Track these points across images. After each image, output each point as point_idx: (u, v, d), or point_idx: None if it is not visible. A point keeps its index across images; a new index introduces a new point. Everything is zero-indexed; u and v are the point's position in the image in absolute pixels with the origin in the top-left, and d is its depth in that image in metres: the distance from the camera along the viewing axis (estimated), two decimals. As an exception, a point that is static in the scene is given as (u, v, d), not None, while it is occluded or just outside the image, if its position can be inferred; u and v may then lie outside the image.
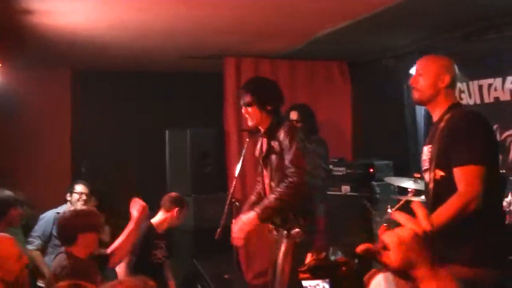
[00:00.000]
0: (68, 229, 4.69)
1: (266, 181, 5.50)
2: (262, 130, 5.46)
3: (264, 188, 5.62)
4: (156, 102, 10.07)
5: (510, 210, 6.04)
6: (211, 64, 9.12)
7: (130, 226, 5.27)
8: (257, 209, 5.19)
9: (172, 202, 7.03)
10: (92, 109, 9.77)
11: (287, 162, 5.15)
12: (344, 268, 1.62)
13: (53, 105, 9.53)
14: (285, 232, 5.24)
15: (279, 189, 5.15)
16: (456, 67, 4.19)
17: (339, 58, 9.49)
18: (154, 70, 10.00)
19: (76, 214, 4.78)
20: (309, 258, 1.73)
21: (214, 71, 9.10)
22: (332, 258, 1.68)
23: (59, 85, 9.62)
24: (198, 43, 7.93)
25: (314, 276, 1.63)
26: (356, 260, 1.68)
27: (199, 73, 9.95)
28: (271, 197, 5.15)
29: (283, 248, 5.26)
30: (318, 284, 1.63)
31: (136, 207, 5.36)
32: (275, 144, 5.29)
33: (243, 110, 5.55)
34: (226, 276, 7.54)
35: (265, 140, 5.51)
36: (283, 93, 8.85)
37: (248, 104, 5.41)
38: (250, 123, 5.49)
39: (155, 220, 6.92)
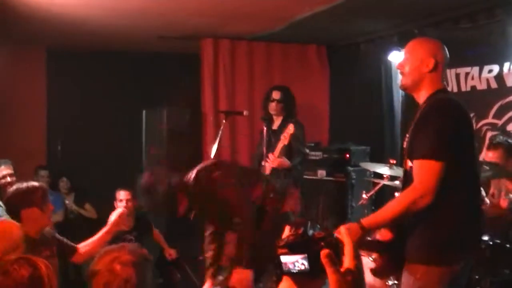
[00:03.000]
0: (11, 205, 4.69)
1: None
2: None
3: None
4: (133, 82, 10.01)
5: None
6: (188, 45, 9.07)
7: (104, 229, 5.24)
8: None
9: None
10: (68, 88, 9.67)
11: None
12: (322, 244, 1.62)
13: (28, 84, 9.43)
14: None
15: None
16: (445, 50, 3.90)
17: (317, 42, 9.46)
18: (131, 50, 9.91)
19: (16, 190, 4.76)
20: (286, 233, 1.73)
21: (191, 52, 9.06)
22: (310, 232, 1.69)
23: (34, 64, 9.52)
24: (174, 23, 7.88)
25: (292, 252, 1.64)
26: (335, 235, 1.68)
27: (176, 53, 9.88)
28: None
29: None
30: (297, 260, 1.63)
31: (115, 214, 5.33)
32: None
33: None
34: (200, 258, 7.53)
35: None
36: (260, 75, 8.88)
37: None
38: None
39: None
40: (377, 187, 6.80)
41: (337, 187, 8.01)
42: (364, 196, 6.81)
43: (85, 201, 9.00)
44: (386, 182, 6.61)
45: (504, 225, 5.59)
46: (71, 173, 9.08)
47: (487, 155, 6.02)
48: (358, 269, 1.61)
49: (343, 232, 1.65)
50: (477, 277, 5.10)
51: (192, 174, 4.93)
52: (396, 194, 5.71)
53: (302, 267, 1.62)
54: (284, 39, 9.10)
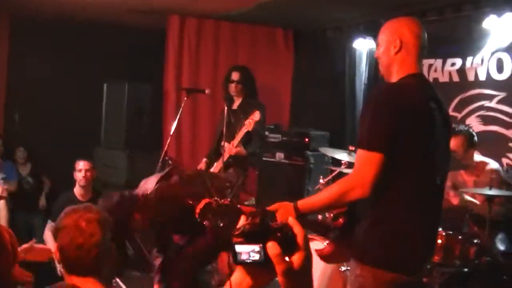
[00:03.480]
0: None
1: None
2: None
3: None
4: (96, 55, 9.87)
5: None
6: (154, 21, 8.99)
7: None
8: None
9: None
10: (30, 58, 9.49)
11: None
12: (279, 234, 1.60)
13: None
14: None
15: None
16: (417, 28, 3.55)
17: (284, 26, 9.45)
18: (97, 23, 9.75)
19: None
20: (242, 221, 1.70)
21: (156, 28, 8.98)
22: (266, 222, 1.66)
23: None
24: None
25: (247, 241, 1.60)
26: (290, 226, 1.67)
27: (141, 28, 9.77)
28: None
29: None
30: (252, 250, 1.60)
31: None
32: None
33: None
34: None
35: None
36: (225, 54, 8.85)
37: None
38: None
39: None
40: (334, 173, 6.82)
41: (295, 170, 8.02)
42: (321, 181, 6.83)
43: (41, 171, 8.88)
44: (343, 168, 6.63)
45: (457, 217, 5.67)
46: (28, 143, 8.95)
47: None
48: (306, 260, 1.61)
49: (293, 222, 1.63)
50: (428, 266, 5.16)
51: (148, 186, 4.88)
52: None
53: (257, 257, 1.60)
54: (251, 21, 9.07)
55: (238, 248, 1.61)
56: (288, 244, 1.58)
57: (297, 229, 1.61)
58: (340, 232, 3.66)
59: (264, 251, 1.58)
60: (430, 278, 5.15)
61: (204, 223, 2.01)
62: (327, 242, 3.90)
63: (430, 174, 3.44)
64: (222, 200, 3.09)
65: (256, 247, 1.59)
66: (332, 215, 4.01)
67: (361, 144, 3.32)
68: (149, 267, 2.73)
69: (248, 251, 1.60)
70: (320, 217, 5.62)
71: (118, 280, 7.14)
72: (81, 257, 2.93)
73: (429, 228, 3.51)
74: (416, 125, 3.34)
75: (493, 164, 6.06)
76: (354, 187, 3.28)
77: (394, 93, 3.42)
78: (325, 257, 3.65)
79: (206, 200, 3.18)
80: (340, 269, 5.32)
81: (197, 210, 3.07)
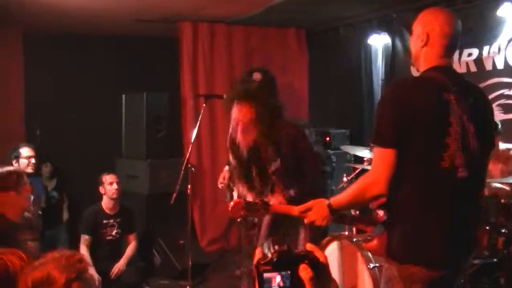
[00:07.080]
0: None
1: None
2: None
3: None
4: (112, 66, 9.88)
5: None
6: (166, 29, 9.01)
7: None
8: None
9: None
10: (46, 73, 9.51)
11: None
12: (306, 261, 1.64)
13: (4, 67, 9.24)
14: None
15: None
16: (449, 21, 3.41)
17: (296, 26, 9.45)
18: (110, 34, 9.80)
19: None
20: (271, 250, 1.74)
21: (169, 36, 9.01)
22: (295, 250, 1.71)
23: (11, 47, 9.30)
24: (152, 6, 7.80)
25: (275, 269, 1.65)
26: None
27: (155, 37, 9.80)
28: None
29: (303, 235, 5.14)
30: (280, 278, 1.64)
31: None
32: None
33: None
34: (181, 242, 7.54)
35: None
36: (239, 58, 8.84)
37: None
38: None
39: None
40: (357, 170, 6.80)
41: (317, 170, 8.02)
42: (344, 179, 6.81)
43: (63, 187, 8.92)
44: (366, 165, 6.60)
45: (484, 208, 5.64)
46: (51, 158, 8.99)
47: None
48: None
49: (313, 248, 1.69)
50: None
51: None
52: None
53: (284, 285, 1.64)
54: (262, 23, 9.08)
55: (266, 275, 1.64)
56: (316, 269, 1.62)
57: (319, 253, 1.66)
58: (383, 225, 3.62)
59: (291, 278, 1.62)
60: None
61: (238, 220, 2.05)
62: (374, 236, 3.89)
63: (447, 166, 3.29)
64: (253, 199, 3.10)
65: (284, 274, 1.63)
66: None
67: (373, 141, 3.33)
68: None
69: (276, 279, 1.64)
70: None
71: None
72: None
73: (450, 221, 3.36)
74: (423, 119, 3.25)
75: None
76: (370, 184, 3.28)
77: (398, 90, 3.37)
78: (374, 250, 3.68)
79: (237, 200, 3.19)
80: (368, 266, 5.31)
81: (229, 208, 3.06)
